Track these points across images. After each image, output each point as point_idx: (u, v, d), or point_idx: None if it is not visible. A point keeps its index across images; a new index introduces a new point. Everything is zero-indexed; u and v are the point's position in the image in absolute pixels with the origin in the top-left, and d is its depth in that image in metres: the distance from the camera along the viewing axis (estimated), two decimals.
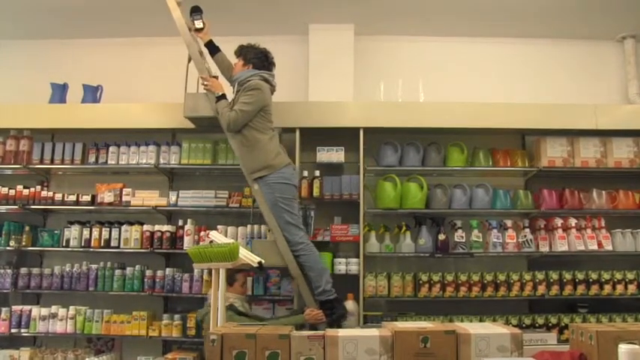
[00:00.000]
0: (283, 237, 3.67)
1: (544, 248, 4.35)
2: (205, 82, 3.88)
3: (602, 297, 4.24)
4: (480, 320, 4.10)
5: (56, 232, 4.51)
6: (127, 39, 4.88)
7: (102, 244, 4.39)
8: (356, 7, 4.49)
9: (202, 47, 4.11)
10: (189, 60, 3.98)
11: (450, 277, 4.23)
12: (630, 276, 4.26)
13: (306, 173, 4.32)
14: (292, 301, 4.16)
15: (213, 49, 4.10)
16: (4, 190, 4.48)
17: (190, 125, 4.21)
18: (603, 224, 4.40)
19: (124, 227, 4.41)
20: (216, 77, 4.00)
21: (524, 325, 4.14)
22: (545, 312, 4.25)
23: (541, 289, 4.23)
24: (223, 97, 3.82)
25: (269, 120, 3.79)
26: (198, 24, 4.05)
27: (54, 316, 4.29)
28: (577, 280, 4.24)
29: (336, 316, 3.63)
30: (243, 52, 3.92)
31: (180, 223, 4.42)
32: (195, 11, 4.06)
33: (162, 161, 4.43)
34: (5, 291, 4.41)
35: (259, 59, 3.88)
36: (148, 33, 4.82)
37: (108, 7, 4.47)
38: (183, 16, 4.03)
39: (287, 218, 3.65)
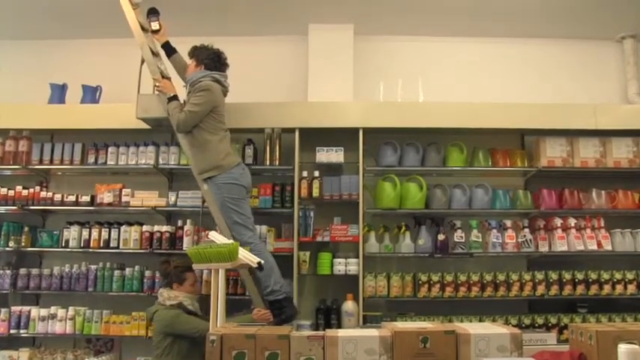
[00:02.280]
0: (232, 237, 3.66)
1: (543, 248, 4.35)
2: (157, 84, 3.90)
3: (601, 297, 4.23)
4: (480, 320, 4.10)
5: (55, 232, 4.51)
6: (127, 39, 4.85)
7: (101, 244, 4.39)
8: (356, 7, 4.49)
9: (159, 48, 4.14)
10: (142, 62, 4.00)
11: (449, 277, 4.23)
12: (630, 276, 4.26)
13: (305, 173, 4.33)
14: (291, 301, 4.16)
15: (169, 50, 4.14)
16: (4, 190, 4.48)
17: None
18: (603, 224, 4.39)
19: (123, 228, 4.40)
20: (169, 79, 4.02)
21: (523, 325, 4.13)
22: (545, 312, 4.25)
23: (540, 289, 4.23)
24: (175, 98, 3.83)
25: (220, 121, 3.81)
26: (155, 25, 4.10)
27: (53, 316, 4.29)
28: (576, 280, 4.24)
29: (285, 316, 3.63)
30: (195, 53, 3.94)
31: (180, 223, 4.42)
32: (152, 13, 4.10)
33: (161, 162, 4.43)
34: (4, 291, 4.40)
35: (211, 60, 3.89)
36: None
37: (107, 8, 4.46)
38: (141, 18, 4.06)
39: (235, 218, 3.66)
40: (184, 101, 3.87)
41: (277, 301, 3.64)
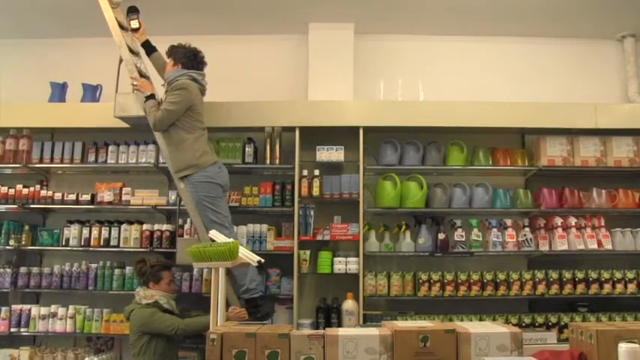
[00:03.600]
0: (208, 236, 3.69)
1: (544, 247, 4.35)
2: (135, 82, 3.90)
3: (601, 296, 4.23)
4: (480, 319, 4.11)
5: (56, 231, 4.51)
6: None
7: (101, 243, 4.39)
8: (356, 6, 4.49)
9: (139, 47, 4.16)
10: (121, 61, 4.00)
11: (449, 277, 4.23)
12: (630, 275, 4.25)
13: (305, 172, 4.32)
14: (292, 300, 4.16)
15: (149, 48, 4.16)
16: (4, 189, 4.48)
17: None
18: (603, 223, 4.39)
19: (123, 226, 4.41)
20: (148, 78, 4.03)
21: (523, 324, 4.14)
22: (545, 311, 4.25)
23: (541, 288, 4.23)
24: (152, 97, 3.84)
25: (197, 119, 3.81)
26: (134, 24, 4.11)
27: (53, 315, 4.29)
28: (577, 279, 4.24)
29: (261, 315, 3.65)
30: (173, 52, 3.95)
31: (180, 222, 4.42)
32: (132, 11, 4.11)
33: (161, 160, 4.42)
34: (5, 290, 4.40)
35: (188, 59, 3.90)
36: (146, 32, 4.81)
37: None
38: (121, 16, 4.07)
39: (211, 217, 3.68)
40: (161, 100, 3.87)
41: (253, 299, 3.67)
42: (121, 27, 4.06)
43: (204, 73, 3.99)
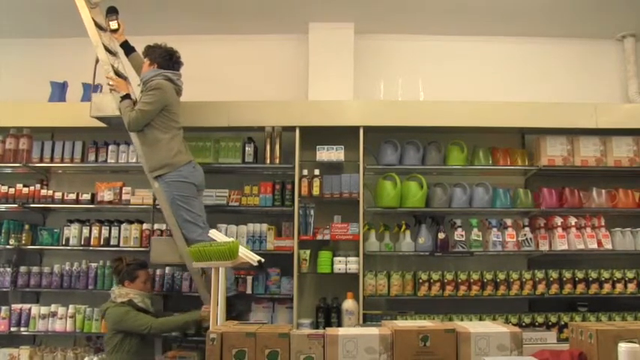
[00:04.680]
0: (182, 235, 3.70)
1: (544, 247, 4.35)
2: (110, 82, 3.91)
3: (601, 296, 4.24)
4: (480, 319, 4.11)
5: (56, 230, 4.51)
6: (128, 37, 4.87)
7: (101, 242, 4.40)
8: (356, 6, 4.49)
9: (118, 47, 4.17)
10: (97, 61, 4.00)
11: (449, 276, 4.23)
12: (630, 275, 4.26)
13: (306, 172, 4.32)
14: (292, 299, 4.17)
15: (128, 49, 4.18)
16: (4, 188, 4.48)
17: (191, 123, 4.21)
18: (603, 223, 4.39)
19: (123, 226, 4.41)
20: (125, 78, 4.03)
21: (523, 324, 4.14)
22: (545, 311, 4.25)
23: (541, 288, 4.23)
24: (128, 97, 3.84)
25: (172, 119, 3.81)
26: (113, 25, 4.12)
27: (53, 314, 4.29)
28: (577, 278, 4.25)
29: (235, 314, 3.66)
30: (149, 52, 3.95)
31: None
32: (111, 12, 4.12)
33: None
34: (5, 289, 4.40)
35: (164, 59, 3.90)
36: (146, 31, 4.79)
37: (107, 6, 4.46)
38: (100, 17, 4.09)
39: (185, 216, 3.69)
40: (137, 100, 3.88)
41: (227, 298, 3.65)
42: (100, 27, 4.08)
43: (180, 73, 3.99)
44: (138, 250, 4.34)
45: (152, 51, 3.93)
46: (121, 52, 4.17)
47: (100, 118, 4.11)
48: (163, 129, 3.76)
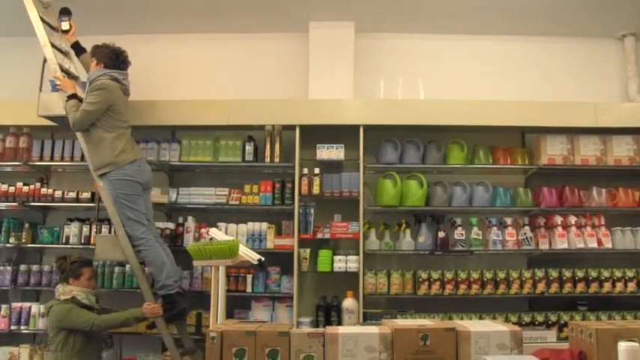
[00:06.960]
0: (125, 232, 3.70)
1: (544, 246, 4.35)
2: (57, 82, 3.92)
3: (601, 295, 4.24)
4: (480, 318, 4.11)
5: (56, 229, 4.51)
6: (126, 36, 4.84)
7: None
8: (356, 5, 4.48)
9: (69, 47, 4.22)
10: (45, 60, 4.01)
11: (449, 275, 4.23)
12: (630, 274, 4.26)
13: (306, 171, 4.32)
14: (292, 298, 4.17)
15: (79, 49, 4.23)
16: (4, 187, 4.48)
17: (191, 122, 4.22)
18: (603, 222, 4.39)
19: None
20: (75, 78, 4.06)
21: (523, 323, 4.14)
22: (545, 310, 4.25)
23: (541, 287, 4.23)
24: (74, 96, 3.85)
25: (117, 119, 3.81)
26: (65, 26, 4.17)
27: None
28: (577, 277, 4.25)
29: (177, 311, 3.67)
30: (96, 52, 3.96)
31: (180, 220, 4.42)
32: (63, 13, 4.17)
33: (162, 158, 4.43)
34: (5, 288, 4.40)
35: (110, 59, 3.91)
36: (146, 30, 4.81)
37: (105, 5, 4.47)
38: (52, 17, 4.12)
39: (128, 214, 3.70)
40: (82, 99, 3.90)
41: (169, 295, 3.68)
42: (52, 27, 4.11)
43: (127, 73, 4.00)
44: None
45: (98, 51, 3.95)
46: (72, 52, 4.22)
47: (47, 117, 4.15)
48: (108, 128, 3.77)
